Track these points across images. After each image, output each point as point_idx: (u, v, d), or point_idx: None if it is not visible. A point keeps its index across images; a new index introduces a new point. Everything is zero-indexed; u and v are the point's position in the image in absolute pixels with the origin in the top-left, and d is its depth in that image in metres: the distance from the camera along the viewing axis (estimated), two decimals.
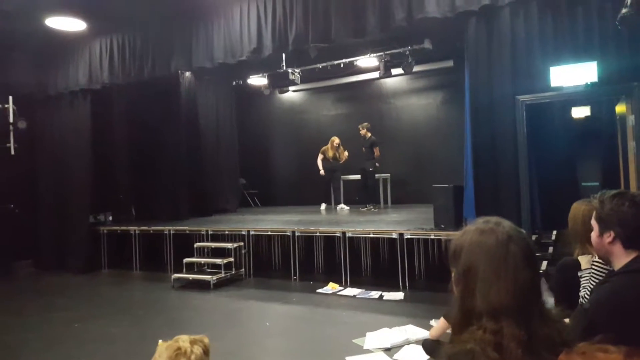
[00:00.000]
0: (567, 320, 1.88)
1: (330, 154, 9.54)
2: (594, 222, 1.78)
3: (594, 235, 1.78)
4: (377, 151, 9.06)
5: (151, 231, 7.89)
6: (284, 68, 8.70)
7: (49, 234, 8.66)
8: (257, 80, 9.98)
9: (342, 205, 9.46)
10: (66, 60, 8.49)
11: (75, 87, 8.41)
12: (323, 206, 9.68)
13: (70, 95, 8.56)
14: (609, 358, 0.60)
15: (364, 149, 9.15)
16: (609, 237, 1.70)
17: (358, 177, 9.54)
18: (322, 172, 9.50)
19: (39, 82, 8.74)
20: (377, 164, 9.09)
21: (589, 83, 4.86)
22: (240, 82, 10.57)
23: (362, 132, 9.09)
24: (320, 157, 9.58)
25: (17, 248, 8.39)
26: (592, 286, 2.26)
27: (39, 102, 8.87)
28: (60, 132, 8.70)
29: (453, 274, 1.24)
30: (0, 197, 8.31)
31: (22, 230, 8.50)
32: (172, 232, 7.65)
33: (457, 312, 1.20)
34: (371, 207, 9.09)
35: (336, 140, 9.58)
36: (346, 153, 9.64)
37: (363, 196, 9.32)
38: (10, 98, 8.43)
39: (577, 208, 2.64)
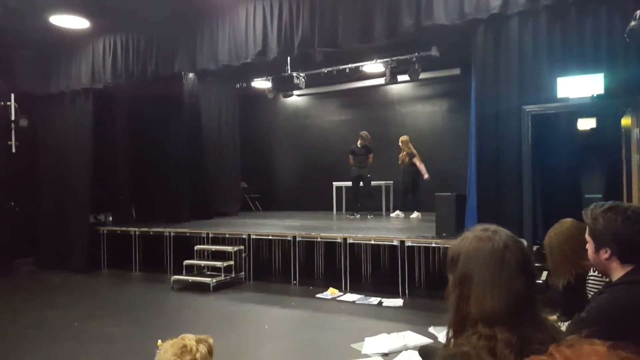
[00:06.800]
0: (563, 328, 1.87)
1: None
2: (588, 238, 1.77)
3: (590, 251, 1.78)
4: (371, 158, 9.06)
5: (151, 232, 7.87)
6: (289, 72, 8.71)
7: (49, 232, 8.64)
8: (261, 84, 9.99)
9: (398, 212, 9.14)
10: (69, 59, 8.49)
11: (78, 86, 8.40)
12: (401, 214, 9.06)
13: (72, 94, 8.55)
14: (594, 349, 0.64)
15: (351, 157, 9.00)
16: (605, 253, 1.70)
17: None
18: (426, 175, 8.64)
19: (41, 80, 8.73)
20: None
21: (595, 95, 4.85)
22: (244, 84, 10.55)
23: (364, 139, 9.04)
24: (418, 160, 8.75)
25: (18, 246, 8.38)
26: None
27: (40, 100, 8.86)
28: (61, 131, 8.69)
29: (450, 280, 1.25)
30: (1, 195, 8.31)
31: (23, 228, 8.51)
32: (172, 234, 7.62)
33: (452, 318, 1.22)
34: (368, 213, 9.05)
35: (402, 138, 8.88)
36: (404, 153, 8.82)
37: (364, 203, 9.26)
38: (12, 96, 8.45)
39: (557, 235, 2.59)
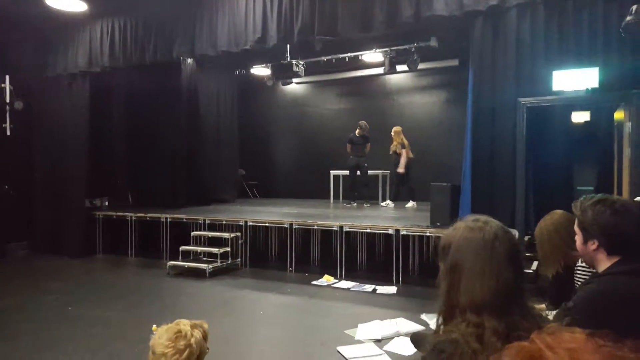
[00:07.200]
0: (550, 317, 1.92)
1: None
2: (577, 230, 1.80)
3: (578, 242, 1.81)
4: (368, 147, 9.10)
5: (147, 218, 7.89)
6: (288, 59, 8.68)
7: (44, 216, 8.62)
8: (260, 71, 9.96)
9: (388, 201, 9.25)
10: (66, 42, 8.41)
11: (75, 69, 8.33)
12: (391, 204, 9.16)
13: (69, 77, 8.48)
14: (574, 337, 0.67)
15: (349, 146, 9.05)
16: (593, 244, 1.73)
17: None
18: (401, 170, 8.73)
19: (37, 62, 8.64)
20: None
21: (589, 88, 4.89)
22: (243, 71, 10.52)
23: (362, 129, 9.07)
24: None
25: (12, 230, 8.35)
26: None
27: (36, 83, 8.76)
28: (57, 114, 8.62)
29: (441, 269, 1.27)
30: None
31: (17, 212, 8.47)
32: (168, 219, 7.65)
33: (442, 306, 1.24)
34: (365, 202, 9.12)
35: (394, 129, 8.92)
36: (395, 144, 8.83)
37: (360, 192, 9.31)
38: (7, 78, 8.37)
39: (547, 226, 2.64)
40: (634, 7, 4.07)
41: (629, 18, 4.13)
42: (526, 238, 4.98)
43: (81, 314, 4.92)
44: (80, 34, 8.21)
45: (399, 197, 9.07)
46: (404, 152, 8.65)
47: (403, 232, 6.00)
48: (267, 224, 7.12)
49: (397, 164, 8.80)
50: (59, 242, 8.36)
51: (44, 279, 6.57)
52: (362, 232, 6.70)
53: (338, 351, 3.79)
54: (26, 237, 8.66)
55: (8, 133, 8.45)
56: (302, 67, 8.84)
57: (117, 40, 7.78)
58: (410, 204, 8.71)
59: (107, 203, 9.00)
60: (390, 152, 8.89)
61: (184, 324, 1.75)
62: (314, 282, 6.11)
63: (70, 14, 7.59)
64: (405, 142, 8.75)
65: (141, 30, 7.56)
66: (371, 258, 6.96)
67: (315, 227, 6.79)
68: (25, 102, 8.52)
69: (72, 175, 8.39)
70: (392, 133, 8.86)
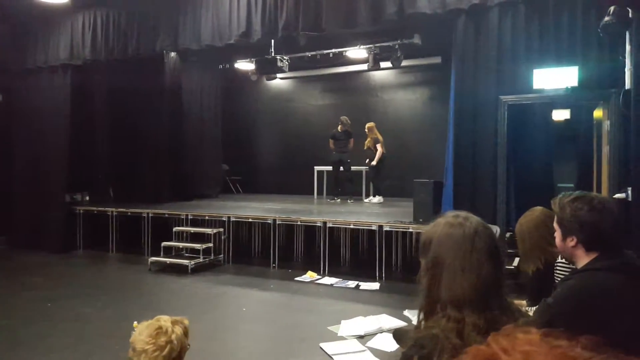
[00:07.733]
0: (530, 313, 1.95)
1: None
2: (556, 226, 1.83)
3: (557, 238, 1.83)
4: (352, 143, 9.10)
5: (129, 213, 7.78)
6: (273, 54, 8.63)
7: (23, 211, 8.46)
8: (245, 65, 9.86)
9: (371, 197, 9.25)
10: (46, 34, 8.25)
11: (55, 62, 8.19)
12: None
13: (50, 69, 8.33)
14: (528, 338, 0.66)
15: (332, 141, 9.06)
16: (571, 241, 1.75)
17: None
18: (374, 162, 8.78)
19: (17, 54, 8.45)
20: None
21: (569, 87, 4.98)
22: (227, 66, 10.41)
23: (344, 124, 9.08)
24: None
25: None
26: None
27: (17, 75, 8.57)
28: (38, 108, 8.44)
29: (422, 265, 1.28)
30: None
31: None
32: (150, 215, 7.56)
33: (423, 301, 1.25)
34: (348, 198, 9.16)
35: (368, 125, 8.87)
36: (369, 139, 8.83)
37: (344, 188, 9.33)
38: None
39: (527, 223, 2.67)
40: (612, 7, 4.15)
41: (607, 18, 4.21)
42: (508, 234, 5.05)
43: (60, 310, 4.85)
44: (62, 25, 8.07)
45: (373, 193, 9.12)
46: (378, 146, 8.70)
47: (386, 228, 6.03)
48: (250, 220, 7.09)
49: (372, 159, 8.84)
50: (38, 237, 8.20)
51: (23, 275, 6.45)
52: (345, 228, 6.72)
53: (321, 347, 3.80)
54: (5, 231, 8.48)
55: None
56: (287, 63, 8.79)
57: (99, 32, 7.67)
58: (376, 199, 8.80)
59: (88, 198, 8.87)
60: (365, 148, 8.90)
61: (165, 320, 1.75)
62: (297, 278, 6.11)
63: (52, 5, 7.42)
64: (380, 137, 8.79)
65: (124, 22, 7.46)
66: (354, 254, 6.99)
67: (299, 223, 6.78)
68: (5, 94, 8.31)
69: (52, 170, 8.25)
70: (366, 129, 8.85)
